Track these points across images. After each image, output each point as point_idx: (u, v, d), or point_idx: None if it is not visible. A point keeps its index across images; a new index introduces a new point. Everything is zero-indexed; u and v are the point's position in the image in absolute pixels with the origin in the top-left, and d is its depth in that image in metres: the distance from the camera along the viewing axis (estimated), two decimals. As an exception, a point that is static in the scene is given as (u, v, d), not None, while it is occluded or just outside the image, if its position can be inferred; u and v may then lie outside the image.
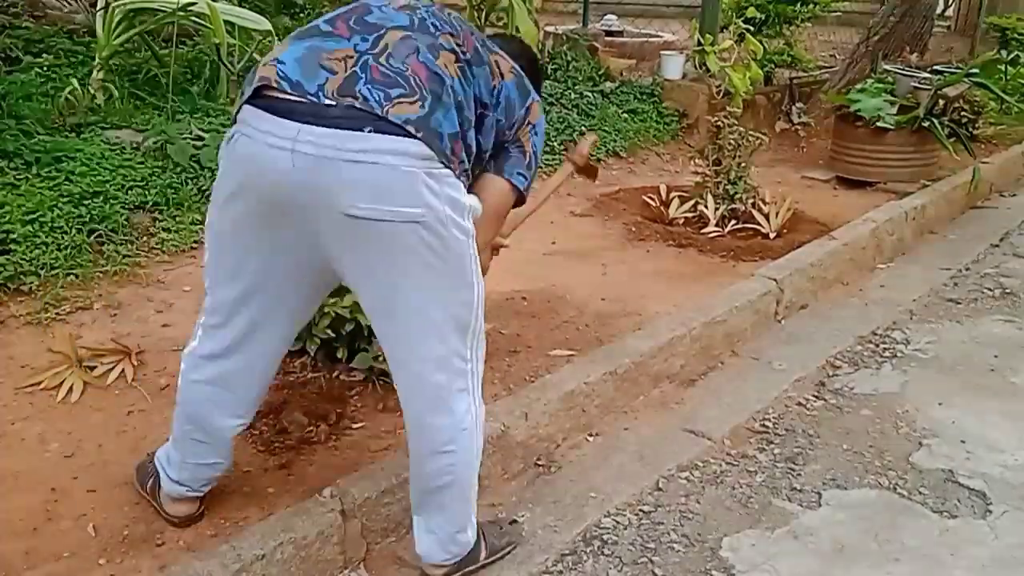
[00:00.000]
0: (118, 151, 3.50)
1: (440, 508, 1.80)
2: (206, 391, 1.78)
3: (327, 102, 1.50)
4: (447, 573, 1.86)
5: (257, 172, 1.54)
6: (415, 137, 1.51)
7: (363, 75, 1.53)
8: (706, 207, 4.03)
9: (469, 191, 1.67)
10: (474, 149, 1.67)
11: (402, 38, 1.60)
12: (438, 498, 1.78)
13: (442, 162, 1.55)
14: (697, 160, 4.31)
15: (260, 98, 1.54)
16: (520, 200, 1.85)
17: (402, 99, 1.52)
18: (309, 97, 1.51)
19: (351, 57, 1.56)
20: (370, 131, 1.49)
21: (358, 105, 1.50)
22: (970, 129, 5.38)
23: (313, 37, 1.60)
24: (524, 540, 2.03)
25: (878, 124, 4.82)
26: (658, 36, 7.17)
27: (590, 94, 5.38)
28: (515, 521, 2.07)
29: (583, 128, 5.08)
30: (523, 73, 1.79)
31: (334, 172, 1.49)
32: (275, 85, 1.52)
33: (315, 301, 1.82)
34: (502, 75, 1.72)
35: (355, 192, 1.49)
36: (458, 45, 1.65)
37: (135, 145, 3.56)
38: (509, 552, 1.98)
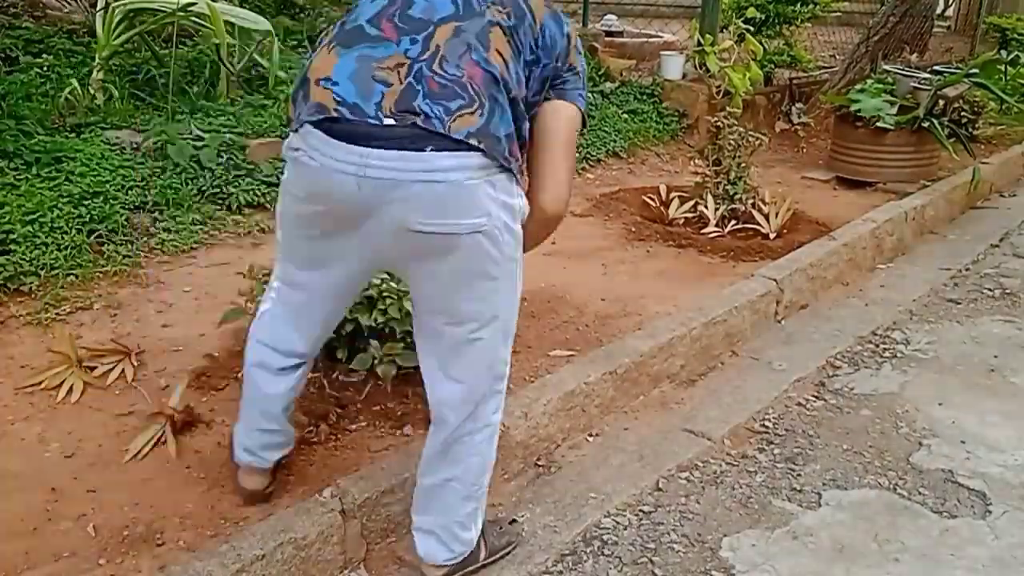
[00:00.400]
0: (118, 151, 3.50)
1: (445, 505, 1.81)
2: (265, 351, 1.88)
3: (388, 122, 1.50)
4: (447, 574, 1.86)
5: (324, 189, 1.58)
6: (477, 148, 1.53)
7: (420, 87, 1.53)
8: (706, 207, 4.03)
9: (533, 125, 1.72)
10: (527, 139, 1.71)
11: (452, 34, 1.58)
12: (445, 493, 1.80)
13: (501, 165, 1.58)
14: (697, 160, 4.31)
15: (321, 120, 1.55)
16: (584, 122, 1.84)
17: (462, 111, 1.53)
18: (370, 120, 1.51)
19: (403, 65, 1.55)
20: (432, 150, 1.51)
21: (420, 123, 1.50)
22: (970, 129, 5.38)
23: (360, 44, 1.58)
24: (524, 540, 2.04)
25: (878, 124, 4.82)
26: (658, 36, 7.17)
27: (590, 94, 5.38)
28: (515, 520, 2.08)
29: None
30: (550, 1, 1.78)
31: (401, 192, 1.52)
32: (335, 114, 1.52)
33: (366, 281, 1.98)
34: (540, 15, 1.70)
35: (422, 210, 1.53)
36: (501, 11, 1.64)
37: (135, 145, 3.56)
38: (509, 552, 1.99)
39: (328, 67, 1.57)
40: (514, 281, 1.71)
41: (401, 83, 1.53)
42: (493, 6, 1.64)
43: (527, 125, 1.69)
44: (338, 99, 1.53)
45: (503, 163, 1.58)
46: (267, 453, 1.98)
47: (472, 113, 1.53)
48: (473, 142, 1.52)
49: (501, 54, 1.60)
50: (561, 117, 1.75)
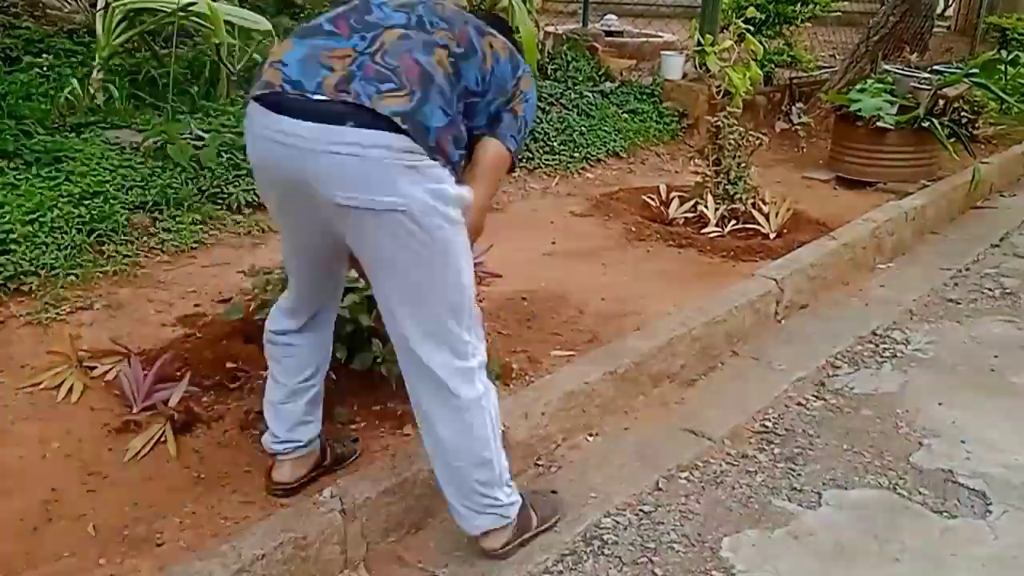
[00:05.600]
0: (118, 151, 3.50)
1: (462, 481, 1.84)
2: (276, 349, 2.03)
3: (319, 98, 1.59)
4: (507, 542, 1.92)
5: (259, 158, 1.71)
6: (401, 130, 1.57)
7: (359, 73, 1.61)
8: (706, 207, 4.03)
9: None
10: (465, 138, 1.75)
11: (399, 36, 1.67)
12: (459, 474, 1.83)
13: (427, 154, 1.61)
14: (697, 160, 4.32)
15: (265, 94, 1.66)
16: (512, 164, 1.91)
17: (392, 92, 1.59)
18: (306, 95, 1.60)
19: (349, 56, 1.64)
20: (352, 125, 1.58)
21: (349, 99, 1.58)
22: (970, 129, 5.38)
23: (316, 36, 1.69)
24: (564, 512, 2.10)
25: (878, 124, 4.82)
26: (658, 36, 7.17)
27: (590, 94, 5.38)
28: (555, 492, 2.16)
29: (583, 128, 5.08)
30: (513, 47, 1.88)
31: (314, 163, 1.59)
32: (279, 89, 1.63)
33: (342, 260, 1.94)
34: (496, 54, 1.80)
35: (334, 182, 1.59)
36: (452, 39, 1.72)
37: (135, 145, 3.56)
38: (555, 523, 2.06)
39: (281, 52, 1.69)
40: (456, 264, 1.71)
41: (344, 71, 1.61)
42: (444, 31, 1.72)
43: (462, 124, 1.73)
44: (284, 77, 1.63)
45: (429, 153, 1.61)
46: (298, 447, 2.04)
47: (402, 96, 1.60)
48: (397, 121, 1.57)
49: (440, 65, 1.68)
50: (487, 151, 1.83)
